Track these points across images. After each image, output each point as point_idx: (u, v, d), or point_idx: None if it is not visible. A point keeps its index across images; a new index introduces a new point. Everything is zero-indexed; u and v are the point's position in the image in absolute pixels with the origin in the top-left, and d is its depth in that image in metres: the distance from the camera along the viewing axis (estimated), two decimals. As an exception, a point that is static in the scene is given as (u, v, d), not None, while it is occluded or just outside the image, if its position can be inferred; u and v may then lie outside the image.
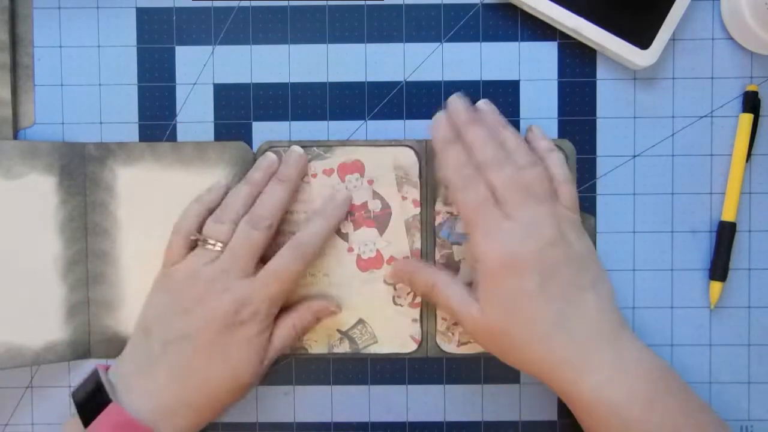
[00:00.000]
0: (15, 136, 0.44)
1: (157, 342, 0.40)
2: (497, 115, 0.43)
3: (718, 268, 0.44)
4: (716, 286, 0.44)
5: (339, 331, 0.44)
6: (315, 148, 0.44)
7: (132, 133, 0.45)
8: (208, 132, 0.45)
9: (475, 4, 0.44)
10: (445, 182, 0.39)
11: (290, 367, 0.45)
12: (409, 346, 0.44)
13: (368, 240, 0.44)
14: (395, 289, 0.44)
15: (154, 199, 0.44)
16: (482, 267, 0.39)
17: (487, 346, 0.40)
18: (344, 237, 0.44)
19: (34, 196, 0.43)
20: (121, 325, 0.44)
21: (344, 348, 0.44)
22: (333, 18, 0.45)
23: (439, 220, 0.44)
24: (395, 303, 0.44)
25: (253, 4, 0.45)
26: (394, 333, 0.44)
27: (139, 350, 0.41)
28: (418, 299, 0.44)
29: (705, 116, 0.44)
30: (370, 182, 0.44)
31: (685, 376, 0.44)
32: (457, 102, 0.42)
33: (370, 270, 0.44)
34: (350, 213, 0.44)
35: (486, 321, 0.39)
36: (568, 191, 0.41)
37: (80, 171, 0.44)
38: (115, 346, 0.44)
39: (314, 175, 0.44)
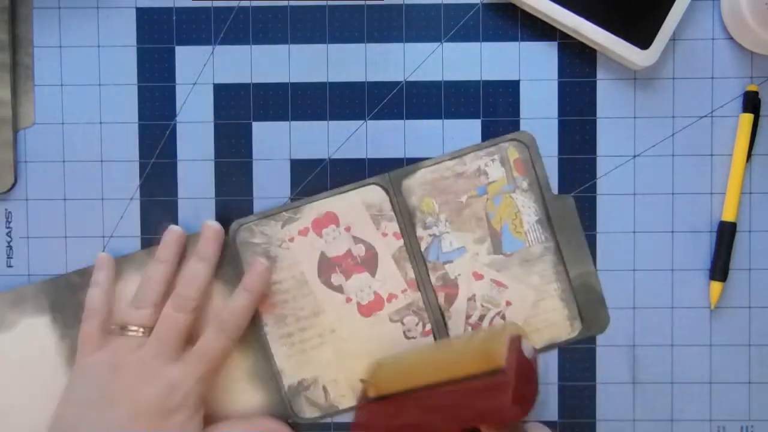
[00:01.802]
0: (15, 136, 0.44)
1: None
2: None
3: (718, 268, 0.44)
4: (716, 286, 0.44)
5: (363, 381, 0.43)
6: (284, 213, 0.44)
7: (132, 133, 0.45)
8: (208, 132, 0.45)
9: (475, 4, 0.44)
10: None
11: (290, 367, 0.45)
12: None
13: (363, 285, 0.44)
14: (403, 323, 0.44)
15: None
16: None
17: None
18: (338, 289, 0.44)
19: (33, 339, 0.43)
20: None
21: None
22: (333, 18, 0.45)
23: (424, 244, 0.44)
24: (407, 337, 0.44)
25: (253, 4, 0.45)
26: None
27: None
28: (429, 326, 0.44)
29: (705, 116, 0.44)
30: (348, 229, 0.44)
31: (685, 376, 0.44)
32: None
33: (373, 314, 0.44)
34: (337, 265, 0.44)
35: None
36: None
37: (71, 301, 0.44)
38: None
39: (291, 239, 0.44)
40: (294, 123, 0.45)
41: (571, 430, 0.45)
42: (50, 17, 0.45)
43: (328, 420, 0.45)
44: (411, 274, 0.44)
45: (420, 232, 0.44)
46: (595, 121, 0.44)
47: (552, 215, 0.44)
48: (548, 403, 0.45)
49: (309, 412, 0.44)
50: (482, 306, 0.44)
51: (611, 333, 0.44)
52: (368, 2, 0.45)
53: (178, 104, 0.45)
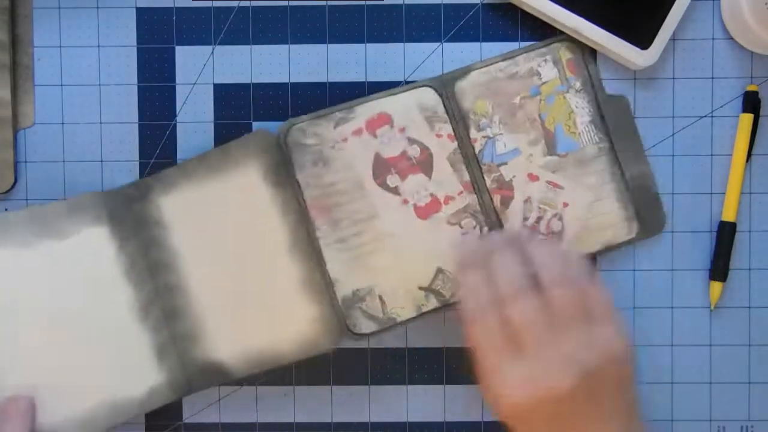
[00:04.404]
0: (15, 137, 0.44)
1: None
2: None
3: (718, 268, 0.44)
4: (716, 286, 0.44)
5: (421, 288, 0.43)
6: (337, 113, 0.43)
7: (132, 133, 0.45)
8: (208, 132, 0.45)
9: (475, 4, 0.44)
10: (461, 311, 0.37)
11: (290, 368, 0.45)
12: None
13: (419, 187, 0.43)
14: (461, 226, 0.43)
15: (201, 218, 0.43)
16: (496, 415, 0.35)
17: None
18: (395, 191, 0.43)
19: (92, 249, 0.42)
20: (210, 353, 0.42)
21: (432, 304, 0.43)
22: (333, 18, 0.45)
23: (478, 146, 0.43)
24: None
25: (253, 4, 0.45)
26: None
27: None
28: (486, 230, 0.43)
29: (705, 116, 0.44)
30: (402, 130, 0.43)
31: (685, 376, 0.44)
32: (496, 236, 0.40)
33: (430, 216, 0.43)
34: (393, 165, 0.43)
35: None
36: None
37: (127, 214, 0.43)
38: (211, 375, 0.42)
39: (345, 140, 0.43)
40: (294, 123, 0.45)
41: (571, 430, 0.45)
42: (50, 17, 0.45)
43: (328, 421, 0.45)
44: (466, 177, 0.43)
45: (474, 134, 0.44)
46: (595, 121, 0.45)
47: (606, 115, 0.44)
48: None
49: (366, 326, 0.43)
50: (539, 208, 0.44)
51: (611, 333, 0.44)
52: (368, 2, 0.45)
53: (178, 104, 0.45)
